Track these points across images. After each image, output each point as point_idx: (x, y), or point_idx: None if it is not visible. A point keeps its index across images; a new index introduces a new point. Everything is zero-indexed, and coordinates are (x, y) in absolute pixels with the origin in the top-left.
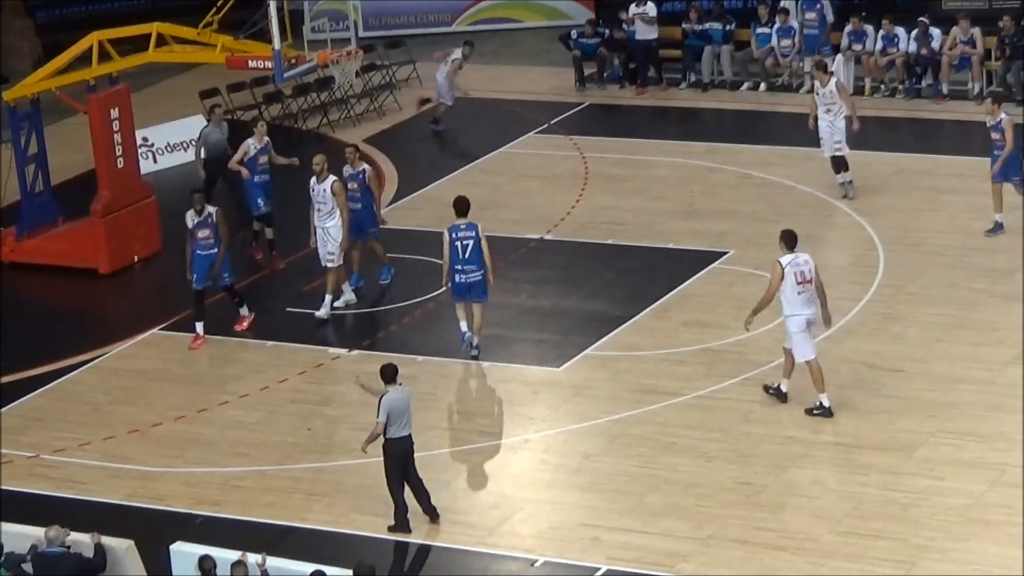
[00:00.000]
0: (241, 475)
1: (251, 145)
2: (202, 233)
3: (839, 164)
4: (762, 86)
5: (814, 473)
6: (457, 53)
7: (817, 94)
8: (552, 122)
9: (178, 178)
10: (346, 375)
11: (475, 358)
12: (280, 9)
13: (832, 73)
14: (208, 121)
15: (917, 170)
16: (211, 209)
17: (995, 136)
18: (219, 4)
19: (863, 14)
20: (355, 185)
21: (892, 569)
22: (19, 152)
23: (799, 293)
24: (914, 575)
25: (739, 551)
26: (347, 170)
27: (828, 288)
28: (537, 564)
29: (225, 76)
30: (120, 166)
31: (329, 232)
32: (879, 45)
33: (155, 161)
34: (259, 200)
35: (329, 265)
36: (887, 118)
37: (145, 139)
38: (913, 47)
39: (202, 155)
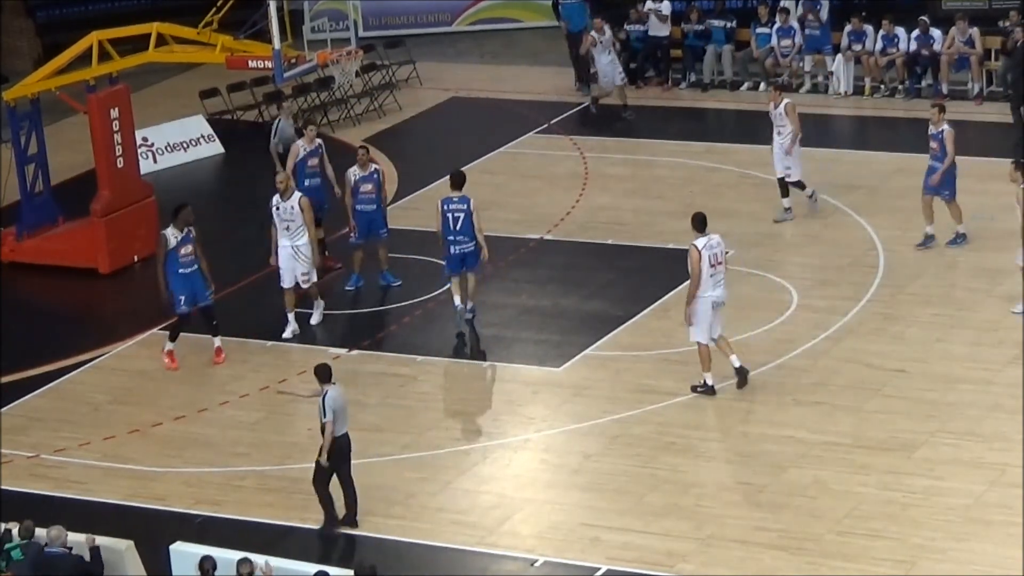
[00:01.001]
0: (241, 475)
1: (301, 147)
2: (185, 250)
3: (796, 187)
4: (762, 86)
5: (814, 473)
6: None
7: (770, 114)
8: (552, 122)
9: (178, 178)
10: (347, 375)
11: (470, 323)
12: (280, 9)
13: (784, 93)
14: (279, 114)
15: (917, 170)
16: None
17: (933, 145)
18: (219, 4)
19: (863, 14)
20: (370, 186)
21: (892, 569)
22: (19, 152)
23: (710, 275)
24: (914, 575)
25: (739, 551)
26: (357, 171)
27: (828, 288)
28: (537, 564)
29: (225, 76)
30: (120, 166)
31: (300, 251)
32: (879, 45)
33: (155, 161)
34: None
35: (305, 285)
36: (887, 118)
37: (145, 139)
38: (913, 47)
39: (280, 149)
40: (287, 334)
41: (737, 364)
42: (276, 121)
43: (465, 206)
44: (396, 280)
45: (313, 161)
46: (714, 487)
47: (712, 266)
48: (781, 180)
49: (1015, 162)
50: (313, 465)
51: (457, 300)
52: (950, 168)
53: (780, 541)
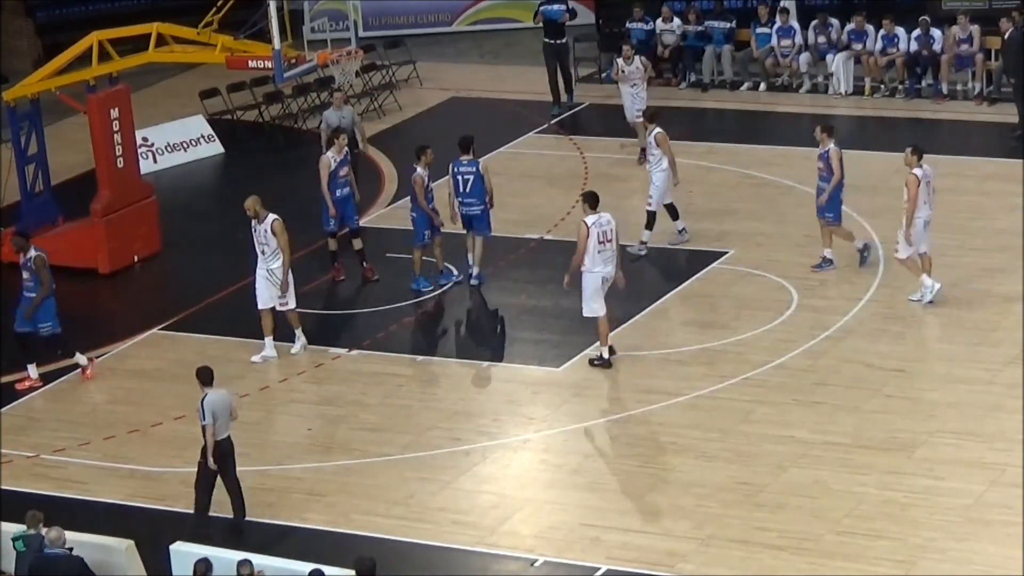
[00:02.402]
0: (241, 475)
1: (331, 158)
2: (25, 274)
3: (670, 212)
4: (762, 86)
5: (814, 473)
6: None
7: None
8: (552, 122)
9: (178, 178)
10: (346, 375)
11: (478, 287)
12: (280, 9)
13: (656, 121)
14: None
15: None
16: (32, 254)
17: (820, 165)
18: (219, 4)
19: (864, 14)
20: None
21: (892, 569)
22: (19, 152)
23: (599, 252)
24: (914, 575)
25: (739, 551)
26: (423, 172)
27: (828, 288)
28: (537, 564)
29: (225, 76)
30: (120, 166)
31: (275, 274)
32: (879, 45)
33: (155, 161)
34: (330, 218)
35: (282, 309)
36: (887, 118)
37: (145, 139)
38: (914, 47)
39: (328, 133)
40: (257, 359)
41: (606, 356)
42: (324, 111)
43: (474, 169)
44: (429, 284)
45: (344, 170)
46: (714, 487)
47: (601, 243)
48: (669, 206)
49: (912, 147)
50: (197, 467)
51: (470, 257)
52: (836, 190)
53: (780, 541)
